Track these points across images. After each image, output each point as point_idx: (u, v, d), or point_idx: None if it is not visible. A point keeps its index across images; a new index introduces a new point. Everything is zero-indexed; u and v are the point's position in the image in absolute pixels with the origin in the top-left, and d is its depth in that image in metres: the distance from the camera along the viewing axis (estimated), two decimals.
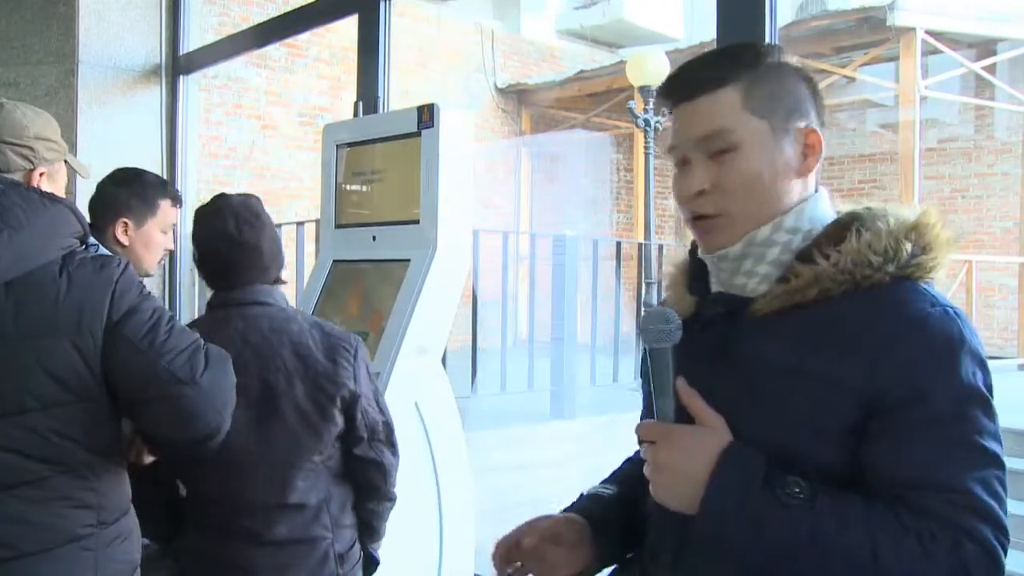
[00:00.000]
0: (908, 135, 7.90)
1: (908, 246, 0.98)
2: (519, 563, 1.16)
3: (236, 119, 8.30)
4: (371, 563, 1.95)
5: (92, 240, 1.70)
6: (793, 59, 1.08)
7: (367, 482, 1.87)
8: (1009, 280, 9.50)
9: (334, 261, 2.74)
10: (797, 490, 0.91)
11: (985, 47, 9.08)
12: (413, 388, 2.36)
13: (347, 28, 3.37)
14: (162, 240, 2.20)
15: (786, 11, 8.53)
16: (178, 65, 4.19)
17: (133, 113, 4.09)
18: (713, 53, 1.14)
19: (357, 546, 1.88)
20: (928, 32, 8.00)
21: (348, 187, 2.77)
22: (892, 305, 0.95)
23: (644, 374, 1.25)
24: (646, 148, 8.41)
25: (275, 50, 8.18)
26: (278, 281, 1.89)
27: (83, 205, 2.13)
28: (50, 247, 1.45)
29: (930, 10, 7.98)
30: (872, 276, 0.97)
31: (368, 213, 2.69)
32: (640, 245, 7.50)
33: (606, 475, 1.30)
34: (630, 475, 1.24)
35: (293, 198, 8.17)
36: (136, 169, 2.23)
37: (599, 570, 1.18)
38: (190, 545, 1.83)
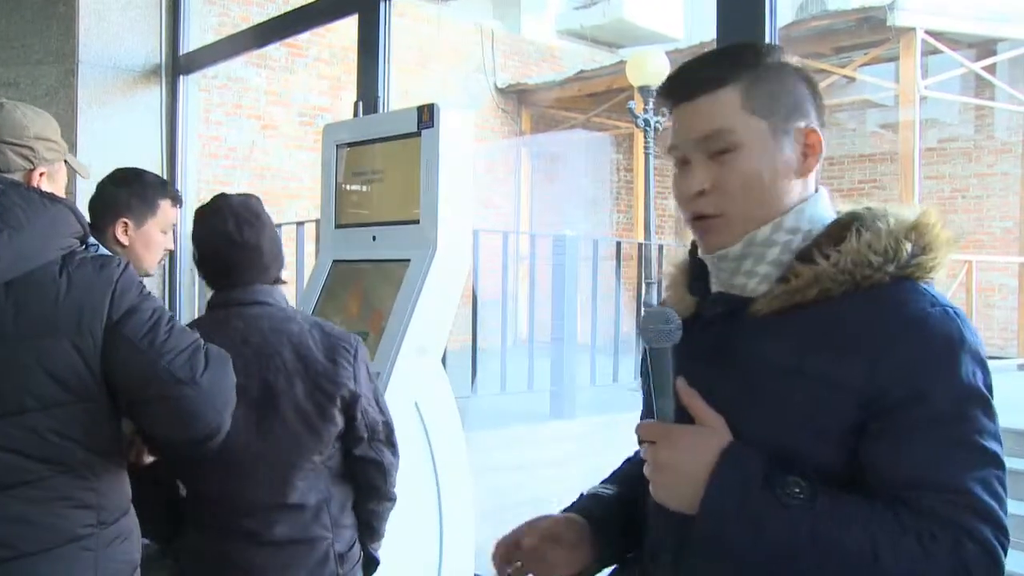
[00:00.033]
0: (908, 135, 7.90)
1: (908, 246, 0.98)
2: (519, 563, 1.16)
3: (236, 119, 8.30)
4: (371, 563, 1.95)
5: (92, 240, 1.70)
6: (793, 59, 1.08)
7: (367, 482, 1.87)
8: (1009, 280, 9.50)
9: (334, 261, 2.74)
10: (797, 490, 0.91)
11: (985, 47, 9.08)
12: (413, 388, 2.36)
13: (347, 28, 3.37)
14: (162, 240, 2.20)
15: (786, 11, 8.52)
16: (178, 65, 4.19)
17: (133, 113, 4.09)
18: (713, 53, 1.14)
19: (357, 546, 1.88)
20: (928, 32, 8.00)
21: (348, 187, 2.77)
22: (892, 305, 0.95)
23: (643, 373, 1.25)
24: (646, 148, 8.41)
25: (275, 50, 8.18)
26: (278, 281, 1.89)
27: (83, 205, 2.13)
28: (50, 247, 1.45)
29: (930, 10, 7.98)
30: (872, 276, 0.97)
31: (368, 213, 2.69)
32: (640, 245, 7.50)
33: (606, 475, 1.30)
34: (630, 475, 1.24)
35: (293, 198, 8.17)
36: (136, 169, 2.23)
37: (599, 570, 1.18)
38: (190, 545, 1.83)
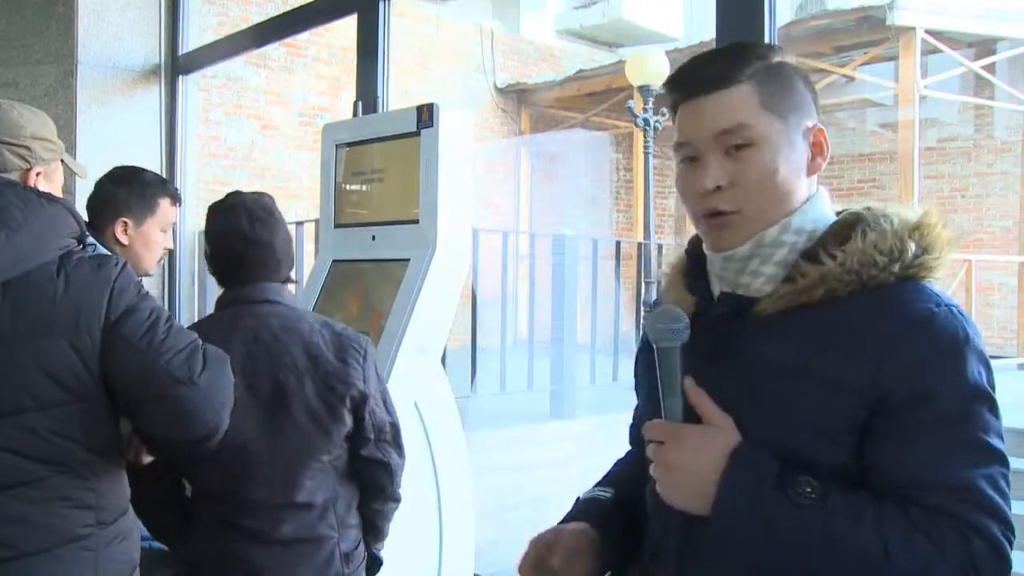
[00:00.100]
0: (907, 134, 7.90)
1: (912, 246, 0.99)
2: None
3: (235, 119, 8.30)
4: (375, 563, 1.95)
5: (91, 240, 1.70)
6: (791, 59, 1.08)
7: (373, 483, 1.88)
8: (1009, 279, 9.51)
9: (334, 261, 2.74)
10: (809, 490, 0.91)
11: (985, 46, 9.08)
12: (413, 388, 2.36)
13: (346, 28, 3.37)
14: (162, 239, 2.20)
15: (786, 11, 8.53)
16: (177, 65, 4.19)
17: (132, 113, 4.08)
18: (722, 50, 1.13)
19: (362, 546, 1.88)
20: (927, 31, 8.00)
21: (347, 187, 2.77)
22: (898, 305, 0.95)
23: (637, 373, 1.25)
24: (645, 147, 8.42)
25: (274, 50, 8.17)
26: (288, 280, 1.89)
27: (83, 205, 2.13)
28: (48, 247, 1.45)
29: (929, 9, 7.98)
30: (878, 276, 0.97)
31: (367, 213, 2.69)
32: (640, 244, 7.51)
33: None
34: (624, 476, 1.25)
35: (292, 198, 8.16)
36: (134, 168, 2.22)
37: (603, 574, 1.17)
38: (196, 544, 1.83)
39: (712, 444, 0.96)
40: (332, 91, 8.79)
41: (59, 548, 1.43)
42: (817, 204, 1.06)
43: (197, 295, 4.42)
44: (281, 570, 1.76)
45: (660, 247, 7.60)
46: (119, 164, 2.24)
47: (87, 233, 1.57)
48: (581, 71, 10.32)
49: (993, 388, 0.94)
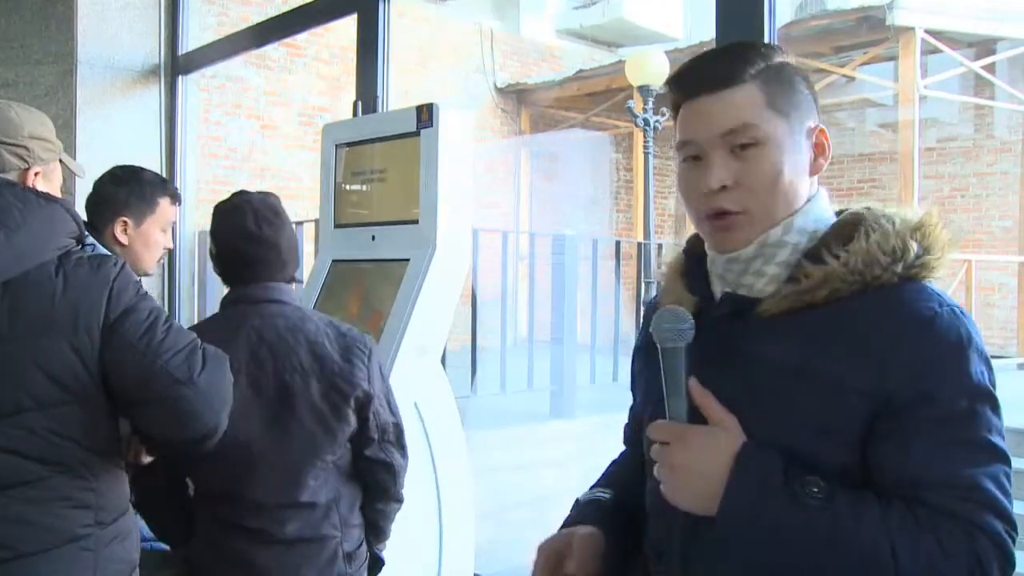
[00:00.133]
0: (907, 134, 7.89)
1: (914, 246, 0.99)
2: None
3: (235, 119, 8.30)
4: (376, 564, 1.95)
5: (90, 240, 1.70)
6: (792, 59, 1.08)
7: (376, 483, 1.88)
8: (1009, 279, 9.51)
9: (333, 261, 2.74)
10: (816, 490, 0.91)
11: (984, 46, 9.07)
12: (413, 388, 2.36)
13: (346, 28, 3.37)
14: (162, 239, 2.19)
15: (785, 11, 8.53)
16: (177, 65, 4.19)
17: (132, 113, 4.08)
18: (725, 50, 1.12)
19: (364, 546, 1.88)
20: (927, 31, 7.99)
21: (347, 187, 2.76)
22: (901, 306, 0.96)
23: (634, 372, 1.24)
24: (645, 147, 8.41)
25: (274, 50, 8.17)
26: (293, 280, 1.90)
27: (82, 205, 2.13)
28: (47, 247, 1.45)
29: (929, 9, 7.97)
30: (881, 276, 0.97)
31: (367, 213, 2.69)
32: (639, 244, 7.51)
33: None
34: (620, 476, 1.25)
35: (292, 198, 8.14)
36: (133, 167, 2.21)
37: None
38: (198, 544, 1.83)
39: (718, 445, 0.96)
40: (332, 91, 8.79)
41: (58, 548, 1.43)
42: (817, 204, 1.06)
43: (197, 295, 4.42)
44: (284, 570, 1.76)
45: (660, 247, 7.60)
46: (119, 164, 2.24)
47: (86, 233, 1.57)
48: (581, 71, 10.32)
49: (994, 387, 0.95)
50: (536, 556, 1.14)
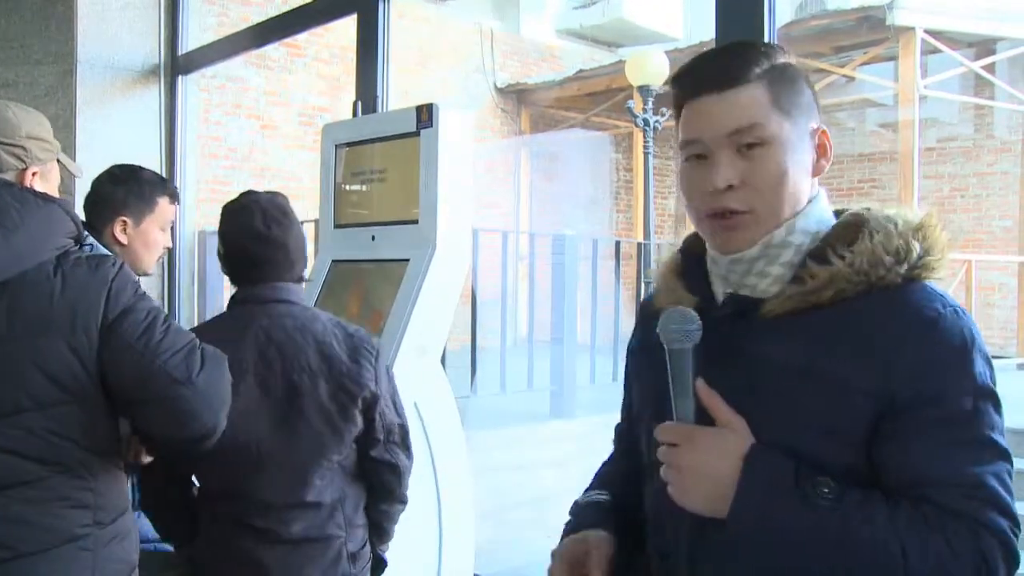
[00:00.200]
0: (907, 134, 7.89)
1: (917, 246, 0.99)
2: None
3: (235, 119, 8.30)
4: (380, 564, 1.95)
5: (90, 239, 1.69)
6: (794, 59, 1.08)
7: (381, 484, 1.88)
8: (1009, 279, 9.50)
9: (333, 261, 2.73)
10: (826, 490, 0.91)
11: (984, 46, 9.07)
12: (413, 388, 2.35)
13: (346, 28, 3.36)
14: (161, 238, 2.19)
15: (786, 11, 8.53)
16: (177, 65, 4.19)
17: (132, 113, 4.08)
18: (728, 49, 1.12)
19: (368, 546, 1.89)
20: (927, 31, 7.99)
21: (347, 187, 2.76)
22: (905, 306, 0.96)
23: (628, 372, 1.24)
24: (645, 147, 8.42)
25: (274, 50, 8.18)
26: (301, 280, 1.90)
27: (81, 205, 2.12)
28: (45, 247, 1.45)
29: (929, 9, 7.97)
30: (885, 277, 0.97)
31: (367, 213, 2.69)
32: (639, 245, 7.52)
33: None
34: (614, 478, 1.24)
35: (293, 198, 8.01)
36: (133, 166, 2.21)
37: None
38: (202, 543, 1.83)
39: (726, 446, 0.96)
40: (332, 91, 8.79)
41: (57, 548, 1.42)
42: (818, 205, 1.06)
43: (197, 295, 4.42)
44: (289, 569, 1.76)
45: (660, 247, 7.60)
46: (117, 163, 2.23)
47: (85, 233, 1.57)
48: (581, 71, 10.32)
49: (995, 386, 0.95)
50: (552, 562, 1.14)
